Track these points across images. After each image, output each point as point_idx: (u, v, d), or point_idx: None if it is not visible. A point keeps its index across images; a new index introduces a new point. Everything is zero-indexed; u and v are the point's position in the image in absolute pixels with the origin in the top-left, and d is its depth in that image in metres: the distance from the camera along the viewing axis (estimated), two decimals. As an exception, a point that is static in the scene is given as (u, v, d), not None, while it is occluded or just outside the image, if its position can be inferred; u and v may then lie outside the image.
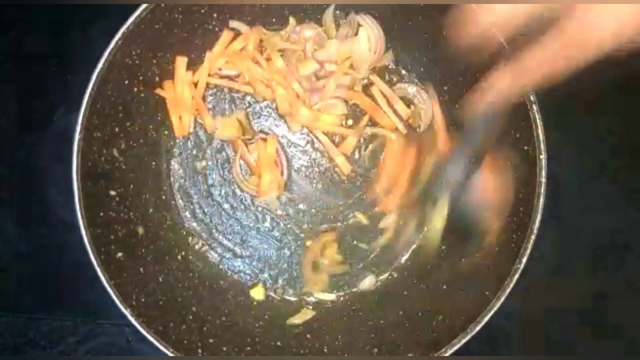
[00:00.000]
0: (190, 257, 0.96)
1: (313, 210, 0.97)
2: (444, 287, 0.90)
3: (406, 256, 0.97)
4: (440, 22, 0.85)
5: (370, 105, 0.95)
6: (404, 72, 0.96)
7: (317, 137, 0.96)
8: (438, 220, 0.86)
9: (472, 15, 0.59)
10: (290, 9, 0.94)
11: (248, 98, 0.97)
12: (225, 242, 0.97)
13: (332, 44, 0.93)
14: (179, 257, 0.95)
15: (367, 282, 0.96)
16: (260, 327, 0.93)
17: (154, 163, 0.96)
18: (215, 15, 0.91)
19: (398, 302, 0.93)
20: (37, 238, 0.99)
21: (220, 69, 0.95)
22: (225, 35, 0.93)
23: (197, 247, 0.97)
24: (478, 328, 0.79)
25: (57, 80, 0.99)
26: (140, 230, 0.91)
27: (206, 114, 0.95)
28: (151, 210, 0.94)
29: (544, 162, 0.79)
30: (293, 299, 0.97)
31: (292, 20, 0.95)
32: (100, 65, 0.80)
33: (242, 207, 0.97)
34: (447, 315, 0.86)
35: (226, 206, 0.97)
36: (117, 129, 0.88)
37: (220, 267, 0.97)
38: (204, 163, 0.97)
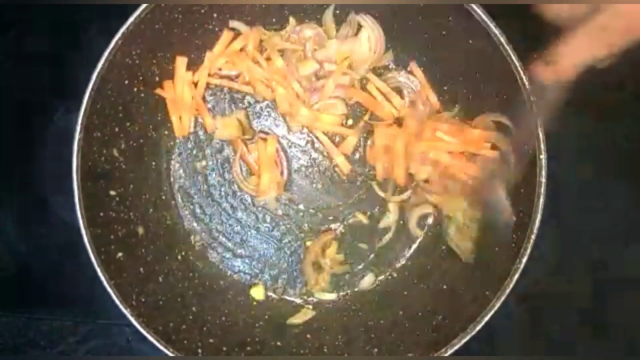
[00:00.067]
0: (190, 257, 0.96)
1: (313, 210, 0.97)
2: (444, 287, 0.91)
3: (406, 256, 0.97)
4: (440, 22, 0.86)
5: (370, 101, 0.94)
6: (403, 72, 0.96)
7: (317, 137, 0.96)
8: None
9: (557, 58, 0.65)
10: (290, 9, 0.94)
11: (248, 98, 0.97)
12: (225, 242, 0.97)
13: (332, 44, 0.93)
14: (179, 257, 0.95)
15: (366, 281, 0.96)
16: (260, 327, 0.93)
17: (154, 163, 0.96)
18: (215, 15, 0.91)
19: (398, 302, 0.93)
20: (37, 238, 0.99)
21: (220, 69, 0.95)
22: (225, 35, 0.93)
23: (197, 247, 0.97)
24: (478, 328, 0.79)
25: (57, 80, 1.00)
26: (140, 230, 0.91)
27: (206, 114, 0.95)
28: (151, 210, 0.94)
29: (544, 162, 0.79)
30: (293, 299, 0.97)
31: (292, 20, 0.95)
32: (100, 65, 0.80)
33: (242, 207, 0.97)
34: (447, 315, 0.86)
35: (226, 206, 0.97)
36: (117, 129, 0.88)
37: (220, 267, 0.97)
38: (204, 163, 0.97)
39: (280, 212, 0.97)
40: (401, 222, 0.97)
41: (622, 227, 1.00)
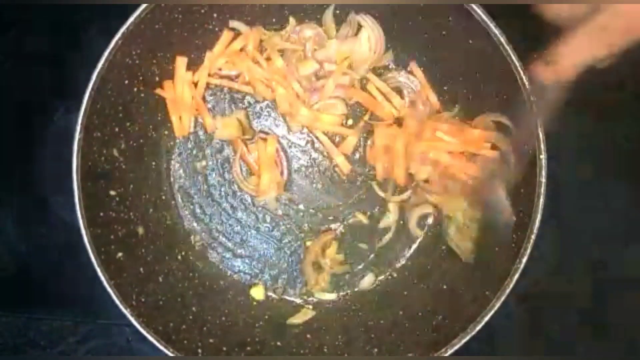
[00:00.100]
0: (190, 257, 0.96)
1: (313, 210, 0.97)
2: (444, 287, 0.91)
3: (406, 256, 0.97)
4: (440, 22, 0.86)
5: (370, 101, 0.94)
6: (403, 72, 0.96)
7: (317, 137, 0.96)
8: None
9: (557, 58, 0.65)
10: (290, 9, 0.94)
11: (248, 98, 0.97)
12: (225, 242, 0.97)
13: (332, 43, 0.93)
14: (179, 257, 0.95)
15: (366, 281, 0.97)
16: (260, 327, 0.93)
17: (154, 163, 0.96)
18: (215, 15, 0.91)
19: (398, 302, 0.93)
20: (37, 238, 0.99)
21: (220, 69, 0.95)
22: (225, 35, 0.93)
23: (197, 247, 0.97)
24: (478, 328, 0.79)
25: (57, 80, 0.99)
26: (140, 230, 0.91)
27: (206, 114, 0.95)
28: (151, 210, 0.94)
29: (544, 162, 0.79)
30: (293, 299, 0.97)
31: (292, 20, 0.95)
32: (100, 65, 0.80)
33: (242, 207, 0.97)
34: (447, 315, 0.86)
35: (226, 206, 0.97)
36: (117, 129, 0.88)
37: (220, 267, 0.97)
38: (204, 163, 0.97)
39: (280, 212, 0.97)
40: (401, 222, 0.97)
41: (622, 227, 1.00)
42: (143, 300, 0.84)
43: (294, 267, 0.97)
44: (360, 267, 0.97)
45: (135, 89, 0.89)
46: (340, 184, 0.97)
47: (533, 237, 0.79)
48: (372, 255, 0.97)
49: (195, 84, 0.94)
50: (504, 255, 0.82)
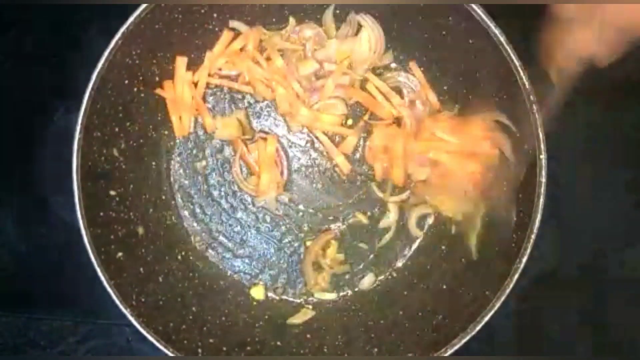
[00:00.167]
0: (190, 257, 0.96)
1: (313, 210, 0.97)
2: (444, 287, 0.91)
3: (406, 256, 0.97)
4: (440, 22, 0.86)
5: (370, 100, 0.94)
6: (402, 72, 0.96)
7: (317, 137, 0.96)
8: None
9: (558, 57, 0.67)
10: (290, 9, 0.94)
11: (248, 98, 0.97)
12: (225, 242, 0.97)
13: (331, 43, 0.94)
14: (179, 257, 0.95)
15: (366, 281, 0.96)
16: (260, 327, 0.93)
17: (154, 163, 0.96)
18: (215, 15, 0.91)
19: (398, 302, 0.93)
20: (37, 238, 0.99)
21: (220, 69, 0.95)
22: (225, 35, 0.93)
23: (197, 247, 0.97)
24: (478, 328, 0.79)
25: (57, 80, 0.99)
26: (140, 230, 0.91)
27: (206, 114, 0.95)
28: (151, 210, 0.94)
29: (544, 162, 0.79)
30: (293, 299, 0.97)
31: (292, 20, 0.95)
32: (100, 65, 0.80)
33: (242, 207, 0.97)
34: (447, 315, 0.86)
35: (226, 206, 0.97)
36: (117, 129, 0.88)
37: (220, 267, 0.97)
38: (204, 163, 0.97)
39: (280, 212, 0.97)
40: (401, 222, 0.97)
41: (622, 227, 1.00)
42: (143, 300, 0.84)
43: (294, 267, 0.97)
44: (360, 267, 0.97)
45: (135, 89, 0.89)
46: (340, 184, 0.97)
47: (533, 237, 0.79)
48: (372, 255, 0.97)
49: (195, 84, 0.94)
50: (504, 255, 0.82)
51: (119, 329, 0.98)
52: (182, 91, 0.93)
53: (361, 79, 0.95)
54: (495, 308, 0.79)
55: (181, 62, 0.92)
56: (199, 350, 0.85)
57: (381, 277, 0.97)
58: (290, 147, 0.97)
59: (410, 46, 0.94)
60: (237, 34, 0.94)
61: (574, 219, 0.99)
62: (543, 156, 0.79)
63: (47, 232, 0.99)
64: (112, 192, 0.88)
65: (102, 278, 0.80)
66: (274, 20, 0.95)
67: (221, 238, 0.97)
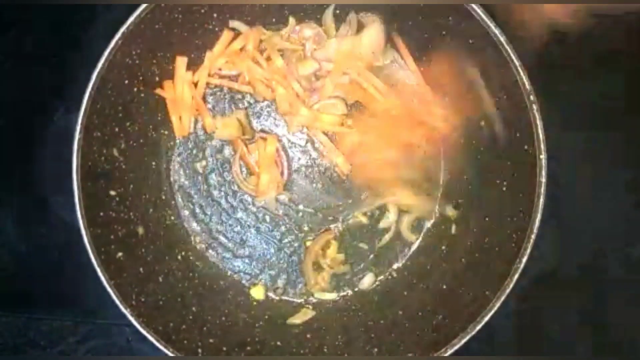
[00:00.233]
0: (190, 257, 0.96)
1: (313, 210, 0.97)
2: (444, 287, 0.91)
3: (406, 256, 0.97)
4: (440, 22, 0.86)
5: (367, 97, 0.94)
6: (401, 70, 0.96)
7: (317, 137, 0.96)
8: None
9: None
10: (290, 9, 0.94)
11: (248, 98, 0.97)
12: (225, 242, 0.97)
13: (331, 43, 0.93)
14: (179, 257, 0.95)
15: (366, 281, 0.97)
16: (260, 327, 0.93)
17: (154, 163, 0.96)
18: (215, 15, 0.91)
19: (398, 302, 0.93)
20: (37, 238, 0.99)
21: (220, 69, 0.95)
22: (225, 35, 0.93)
23: (197, 247, 0.97)
24: (478, 328, 0.79)
25: (57, 80, 0.99)
26: (140, 230, 0.91)
27: (206, 114, 0.95)
28: (151, 210, 0.94)
29: (544, 162, 0.79)
30: (293, 299, 0.97)
31: (291, 20, 0.95)
32: (100, 65, 0.80)
33: (242, 207, 0.97)
34: (447, 315, 0.86)
35: (226, 206, 0.97)
36: (117, 129, 0.88)
37: (220, 267, 0.97)
38: (204, 163, 0.97)
39: (280, 212, 0.97)
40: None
41: (622, 227, 1.00)
42: (143, 300, 0.84)
43: (294, 267, 0.97)
44: (360, 267, 0.97)
45: (135, 89, 0.89)
46: (340, 184, 0.97)
47: (533, 237, 0.79)
48: (372, 255, 0.97)
49: (195, 84, 0.94)
50: (504, 255, 0.82)
51: (119, 329, 0.98)
52: (182, 91, 0.93)
53: (361, 78, 0.95)
54: (495, 308, 0.79)
55: (181, 62, 0.92)
56: (199, 350, 0.85)
57: (381, 277, 0.97)
58: (290, 147, 0.97)
59: (410, 46, 0.94)
60: (237, 34, 0.94)
61: (574, 219, 0.99)
62: (543, 156, 0.79)
63: (47, 232, 0.99)
64: (112, 192, 0.88)
65: (102, 278, 0.80)
66: (273, 20, 0.95)
67: (221, 238, 0.97)
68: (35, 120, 1.00)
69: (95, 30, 0.99)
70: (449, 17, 0.84)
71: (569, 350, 0.99)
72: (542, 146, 0.79)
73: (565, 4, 0.77)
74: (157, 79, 0.91)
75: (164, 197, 0.96)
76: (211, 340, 0.88)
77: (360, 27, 0.93)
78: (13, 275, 0.99)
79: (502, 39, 0.79)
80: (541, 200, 0.79)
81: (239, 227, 0.97)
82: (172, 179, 0.97)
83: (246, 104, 0.97)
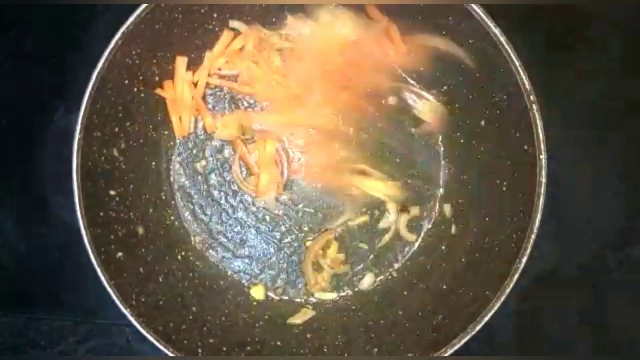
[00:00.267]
0: (190, 257, 0.96)
1: (313, 210, 0.97)
2: (444, 287, 0.91)
3: (406, 256, 0.97)
4: (440, 22, 0.86)
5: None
6: (402, 73, 0.96)
7: (316, 137, 0.96)
8: None
9: None
10: (290, 9, 0.94)
11: (248, 98, 0.97)
12: (225, 242, 0.97)
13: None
14: (179, 257, 0.95)
15: (366, 281, 0.97)
16: (260, 327, 0.93)
17: (154, 163, 0.96)
18: (215, 15, 0.91)
19: (398, 302, 0.93)
20: (37, 238, 0.99)
21: (220, 69, 0.95)
22: (225, 35, 0.93)
23: (197, 247, 0.97)
24: (478, 328, 0.79)
25: (57, 80, 0.99)
26: (140, 230, 0.91)
27: (206, 114, 0.95)
28: (151, 210, 0.94)
29: (544, 162, 0.79)
30: (293, 299, 0.97)
31: (291, 19, 0.95)
32: (100, 65, 0.80)
33: (242, 207, 0.97)
34: (447, 315, 0.86)
35: (226, 206, 0.97)
36: (117, 129, 0.88)
37: (220, 267, 0.97)
38: (204, 163, 0.97)
39: (280, 212, 0.97)
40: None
41: (622, 227, 1.00)
42: (143, 300, 0.84)
43: (294, 267, 0.97)
44: (360, 267, 0.97)
45: (135, 89, 0.89)
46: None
47: (533, 237, 0.79)
48: (372, 255, 0.97)
49: (195, 84, 0.94)
50: (504, 255, 0.82)
51: (119, 329, 0.98)
52: (182, 91, 0.93)
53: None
54: (495, 308, 0.79)
55: (181, 62, 0.92)
56: (199, 350, 0.85)
57: (381, 277, 0.97)
58: (290, 147, 0.97)
59: (410, 46, 0.94)
60: (237, 33, 0.94)
61: (574, 219, 0.99)
62: (543, 156, 0.79)
63: (47, 232, 0.99)
64: (112, 192, 0.87)
65: (102, 278, 0.80)
66: (273, 20, 0.95)
67: (221, 238, 0.97)
68: (35, 120, 1.00)
69: (95, 30, 0.99)
70: (449, 17, 0.84)
71: (569, 350, 0.99)
72: (542, 146, 0.79)
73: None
74: (157, 79, 0.91)
75: (164, 197, 0.96)
76: (211, 340, 0.88)
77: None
78: (13, 275, 0.99)
79: (502, 39, 0.79)
80: (541, 200, 0.79)
81: (239, 227, 0.97)
82: (172, 179, 0.97)
83: (246, 104, 0.97)
